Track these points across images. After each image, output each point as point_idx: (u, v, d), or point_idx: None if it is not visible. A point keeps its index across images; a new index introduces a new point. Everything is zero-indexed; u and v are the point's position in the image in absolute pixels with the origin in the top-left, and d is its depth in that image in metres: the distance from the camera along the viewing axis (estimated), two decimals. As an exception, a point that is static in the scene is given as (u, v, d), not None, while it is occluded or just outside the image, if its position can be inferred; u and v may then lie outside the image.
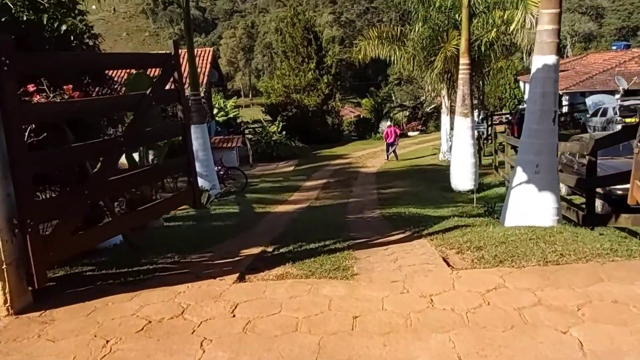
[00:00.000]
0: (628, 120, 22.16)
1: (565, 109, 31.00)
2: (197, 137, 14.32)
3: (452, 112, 22.01)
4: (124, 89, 6.82)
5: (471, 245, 4.83)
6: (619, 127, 22.58)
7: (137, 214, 4.70)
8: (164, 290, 4.02)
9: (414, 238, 5.80)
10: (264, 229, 8.67)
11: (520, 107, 33.12)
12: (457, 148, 14.31)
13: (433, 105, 37.92)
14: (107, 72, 5.87)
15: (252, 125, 33.69)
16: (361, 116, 41.84)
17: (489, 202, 12.90)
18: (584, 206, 10.55)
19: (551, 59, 6.07)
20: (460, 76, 14.76)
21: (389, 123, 27.37)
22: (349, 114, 42.73)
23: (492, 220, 7.21)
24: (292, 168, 24.06)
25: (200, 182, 14.20)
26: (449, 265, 4.29)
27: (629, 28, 73.06)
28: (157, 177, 6.35)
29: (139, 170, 4.69)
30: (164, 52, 5.12)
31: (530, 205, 6.04)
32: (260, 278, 4.34)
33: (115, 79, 6.56)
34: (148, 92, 4.63)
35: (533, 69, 6.23)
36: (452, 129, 23.76)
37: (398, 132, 26.15)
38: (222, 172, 16.26)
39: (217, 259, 5.35)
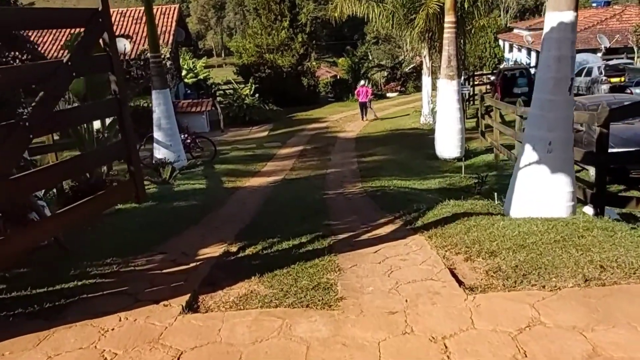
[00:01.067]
0: (614, 80, 21.43)
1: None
2: (159, 104, 13.12)
3: (433, 72, 20.99)
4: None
5: (481, 248, 3.90)
6: (604, 87, 21.84)
7: (55, 221, 3.63)
8: (86, 328, 3.02)
9: (407, 233, 4.84)
10: (232, 212, 7.65)
11: (502, 66, 32.24)
12: (442, 113, 13.33)
13: (412, 65, 36.69)
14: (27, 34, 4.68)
15: (223, 87, 32.13)
16: (338, 76, 40.44)
17: (477, 171, 12.08)
18: (583, 177, 9.78)
19: (568, 15, 5.05)
20: (445, 35, 13.64)
21: (362, 82, 26.46)
22: (325, 74, 41.25)
23: (492, 203, 6.29)
24: (266, 133, 22.87)
25: (165, 153, 13.06)
26: (459, 282, 3.35)
27: (606, -16, 72.05)
28: (84, 170, 5.23)
29: (55, 163, 3.59)
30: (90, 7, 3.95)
31: (542, 190, 5.12)
32: (218, 301, 3.36)
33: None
34: (65, 59, 3.51)
35: (546, 28, 5.21)
36: (434, 90, 22.82)
37: (370, 91, 25.84)
38: (188, 141, 15.04)
39: (167, 266, 4.35)
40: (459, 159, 13.29)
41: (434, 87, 23.08)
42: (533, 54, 33.06)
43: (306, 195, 8.91)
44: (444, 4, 14.63)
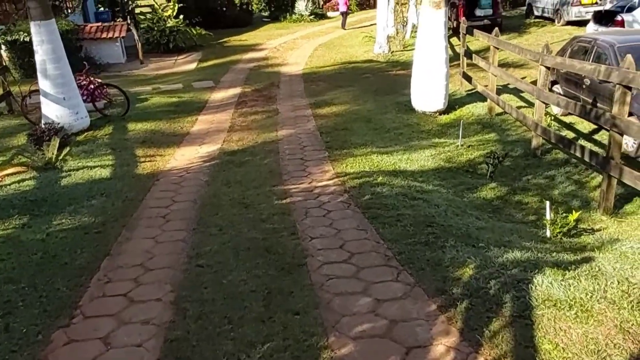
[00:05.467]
0: (586, 0, 19.01)
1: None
2: (42, 42, 9.35)
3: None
4: None
5: None
6: (575, 10, 19.41)
7: None
8: None
9: None
10: (142, 258, 4.62)
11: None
12: (423, 53, 10.28)
13: (357, -21, 32.75)
14: None
15: (142, 4, 27.15)
16: (273, -9, 35.79)
17: (468, 130, 9.33)
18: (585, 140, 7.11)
19: None
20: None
21: None
22: (258, -11, 36.42)
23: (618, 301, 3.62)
24: (194, 66, 19.04)
25: (57, 110, 9.50)
26: None
27: None
28: None
29: None
30: None
31: None
32: None
33: None
34: None
35: None
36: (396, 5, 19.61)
37: (348, 2, 26.77)
38: (91, 87, 11.26)
39: None
40: (442, 113, 10.57)
41: (394, 9, 19.93)
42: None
43: (260, 202, 5.96)
44: None
